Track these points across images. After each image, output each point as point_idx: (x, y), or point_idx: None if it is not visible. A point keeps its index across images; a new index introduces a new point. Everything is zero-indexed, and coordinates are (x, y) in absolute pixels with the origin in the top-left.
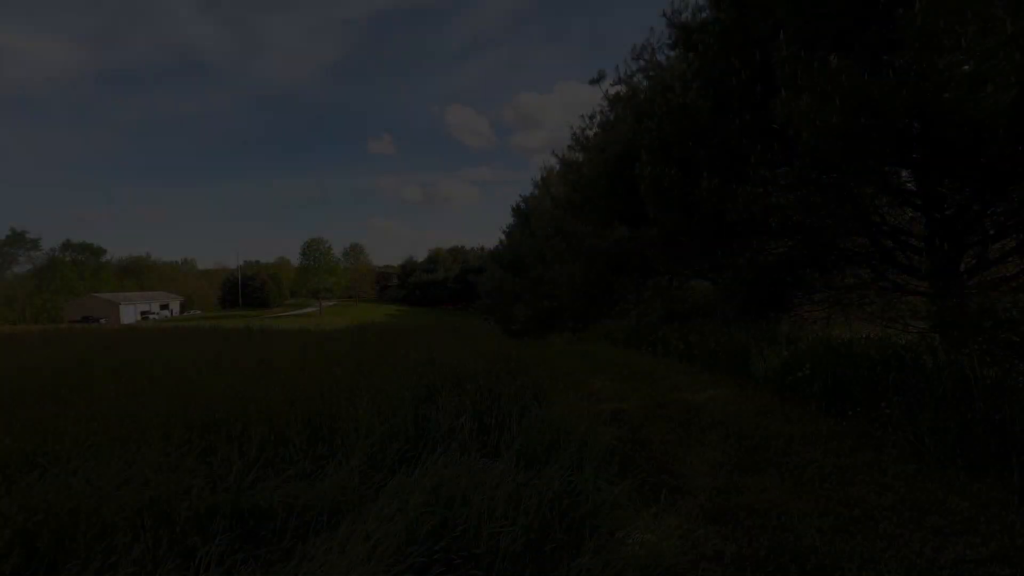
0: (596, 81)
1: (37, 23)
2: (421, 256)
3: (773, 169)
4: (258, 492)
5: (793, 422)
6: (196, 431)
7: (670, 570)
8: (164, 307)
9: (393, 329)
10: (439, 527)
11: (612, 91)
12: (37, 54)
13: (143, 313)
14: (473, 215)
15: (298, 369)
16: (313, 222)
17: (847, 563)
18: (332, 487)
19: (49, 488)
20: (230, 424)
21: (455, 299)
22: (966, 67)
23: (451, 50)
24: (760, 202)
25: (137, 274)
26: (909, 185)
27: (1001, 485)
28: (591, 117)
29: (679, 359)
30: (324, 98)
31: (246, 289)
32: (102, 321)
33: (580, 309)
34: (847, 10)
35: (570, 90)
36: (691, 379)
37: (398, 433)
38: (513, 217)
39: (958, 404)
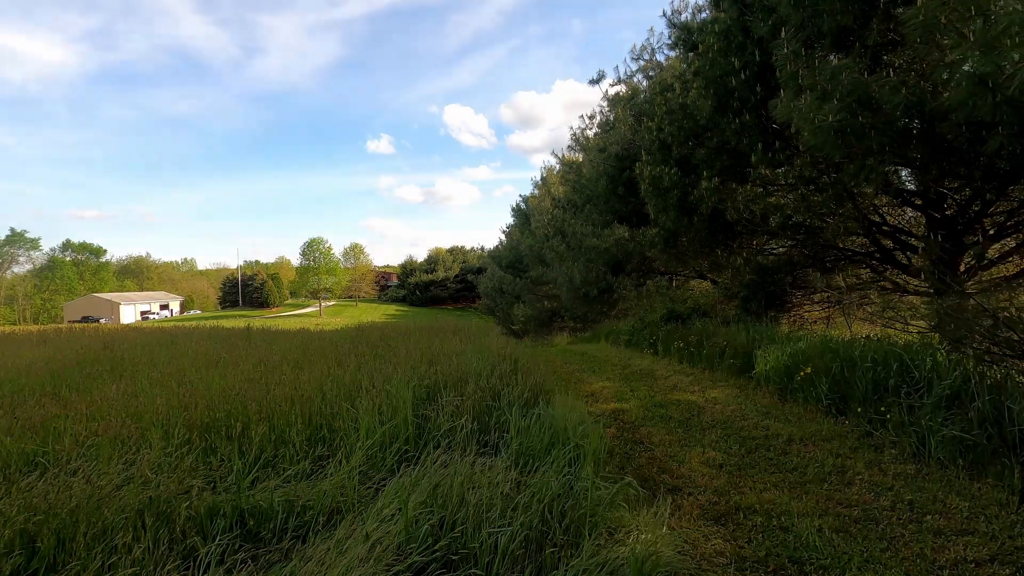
0: (596, 81)
1: (37, 23)
2: (421, 256)
3: (773, 169)
4: (258, 492)
5: (793, 422)
6: (196, 431)
7: (670, 570)
8: (164, 307)
9: (393, 329)
10: (438, 527)
11: (612, 91)
12: (37, 54)
13: (143, 313)
14: (473, 215)
15: (298, 369)
16: (313, 222)
17: (847, 563)
18: (332, 487)
19: (49, 488)
20: (230, 424)
21: (455, 299)
22: (966, 67)
23: (450, 50)
24: (760, 202)
25: (137, 274)
26: (909, 185)
27: (1001, 485)
28: (591, 117)
29: (679, 359)
30: (324, 98)
31: (246, 289)
32: (102, 321)
33: (580, 309)
34: (847, 9)
35: (569, 90)
36: (691, 379)
37: (398, 433)
38: (513, 217)
39: (958, 404)
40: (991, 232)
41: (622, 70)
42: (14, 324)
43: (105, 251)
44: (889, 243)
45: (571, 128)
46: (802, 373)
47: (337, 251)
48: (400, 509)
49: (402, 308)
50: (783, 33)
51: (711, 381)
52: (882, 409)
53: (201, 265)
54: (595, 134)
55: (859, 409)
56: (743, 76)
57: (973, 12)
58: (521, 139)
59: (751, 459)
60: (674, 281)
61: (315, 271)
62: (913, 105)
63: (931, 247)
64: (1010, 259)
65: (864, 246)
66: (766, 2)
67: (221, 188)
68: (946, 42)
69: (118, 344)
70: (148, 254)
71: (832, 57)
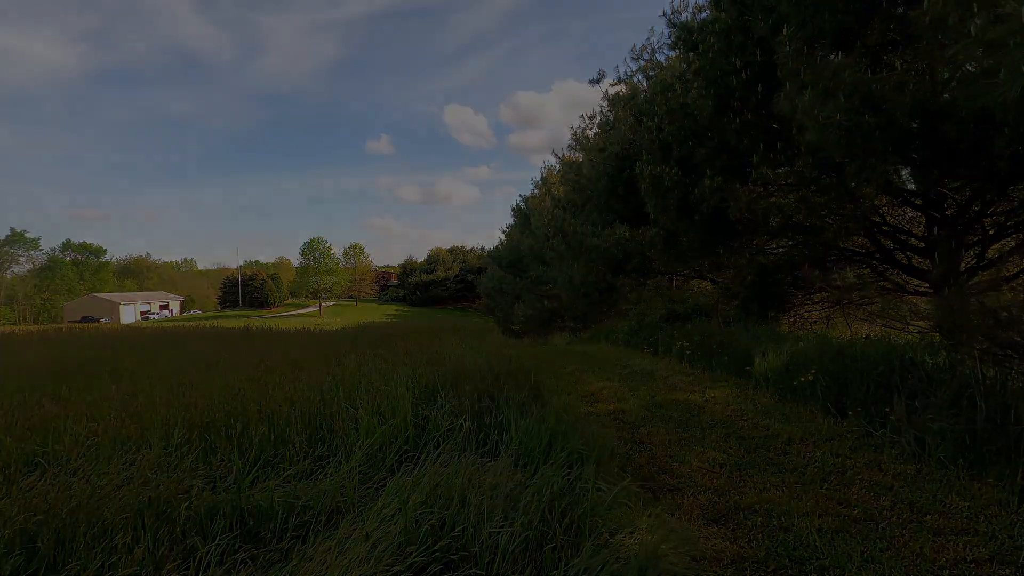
0: (596, 81)
1: (36, 23)
2: (421, 256)
3: (774, 169)
4: (258, 492)
5: (793, 422)
6: (196, 431)
7: (670, 570)
8: (164, 307)
9: (392, 329)
10: (438, 527)
11: (612, 91)
12: (37, 54)
13: (143, 313)
14: (473, 215)
15: (298, 369)
16: (313, 222)
17: (847, 563)
18: (332, 487)
19: (49, 488)
20: (230, 424)
21: (455, 299)
22: (969, 66)
23: (450, 50)
24: (761, 202)
25: (137, 274)
26: (909, 185)
27: (1001, 485)
28: (591, 117)
29: (679, 359)
30: (323, 98)
31: (246, 289)
32: (102, 321)
33: (580, 309)
34: (848, 8)
35: (568, 89)
36: (691, 379)
37: (397, 433)
38: (513, 217)
39: (959, 404)
40: (991, 232)
41: (622, 70)
42: (14, 324)
43: (105, 251)
44: (889, 243)
45: (571, 128)
46: (804, 378)
47: (337, 251)
48: (400, 509)
49: (402, 308)
50: (785, 30)
51: (711, 381)
52: (884, 409)
53: (201, 265)
54: (595, 134)
55: (859, 409)
56: (744, 76)
57: (976, 9)
58: (521, 139)
59: (751, 459)
60: (674, 281)
61: (315, 271)
62: (916, 105)
63: (935, 251)
64: (1010, 259)
65: (864, 246)
66: (766, 2)
67: (222, 188)
68: (953, 36)
69: (118, 344)
70: (148, 254)
71: (833, 57)
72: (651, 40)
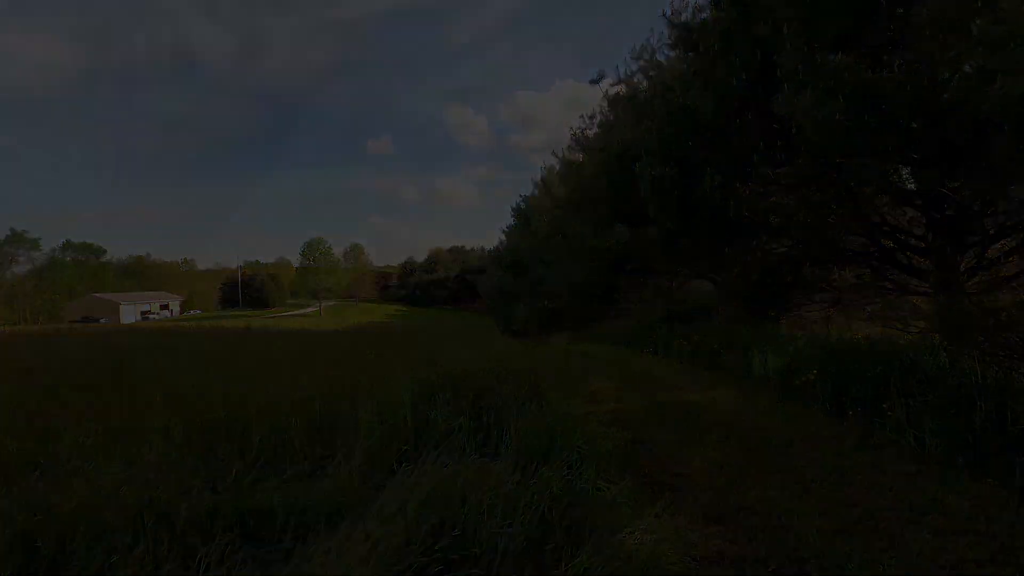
0: (596, 81)
1: (37, 23)
2: (421, 256)
3: (774, 168)
4: (258, 492)
5: (793, 422)
6: (196, 431)
7: (670, 570)
8: (164, 307)
9: (393, 329)
10: (438, 527)
11: (612, 91)
12: (37, 54)
13: (143, 313)
14: (473, 215)
15: (298, 369)
16: (312, 222)
17: (847, 563)
18: (332, 487)
19: (49, 488)
20: (230, 424)
21: (455, 299)
22: (967, 67)
23: (450, 50)
24: (761, 201)
25: (137, 274)
26: (909, 185)
27: (1001, 485)
28: (591, 117)
29: (679, 359)
30: (324, 98)
31: (246, 289)
32: (102, 321)
33: (580, 309)
34: (849, 8)
35: (568, 89)
36: (691, 379)
37: (397, 433)
38: (513, 217)
39: (959, 404)
40: (991, 232)
41: (622, 70)
42: (14, 324)
43: (105, 251)
44: (890, 243)
45: (571, 128)
46: (804, 378)
47: (337, 252)
48: (400, 509)
49: (402, 308)
50: (786, 29)
51: (711, 381)
52: (884, 408)
53: (201, 265)
54: (595, 134)
55: (859, 409)
56: (743, 76)
57: (979, 7)
58: (521, 139)
59: (751, 459)
60: (674, 281)
61: (315, 271)
62: (916, 104)
63: (935, 251)
64: (1010, 259)
65: (865, 246)
66: (766, 2)
67: (221, 188)
68: (953, 38)
69: (118, 344)
70: (148, 254)
71: (833, 56)
72: (651, 40)
